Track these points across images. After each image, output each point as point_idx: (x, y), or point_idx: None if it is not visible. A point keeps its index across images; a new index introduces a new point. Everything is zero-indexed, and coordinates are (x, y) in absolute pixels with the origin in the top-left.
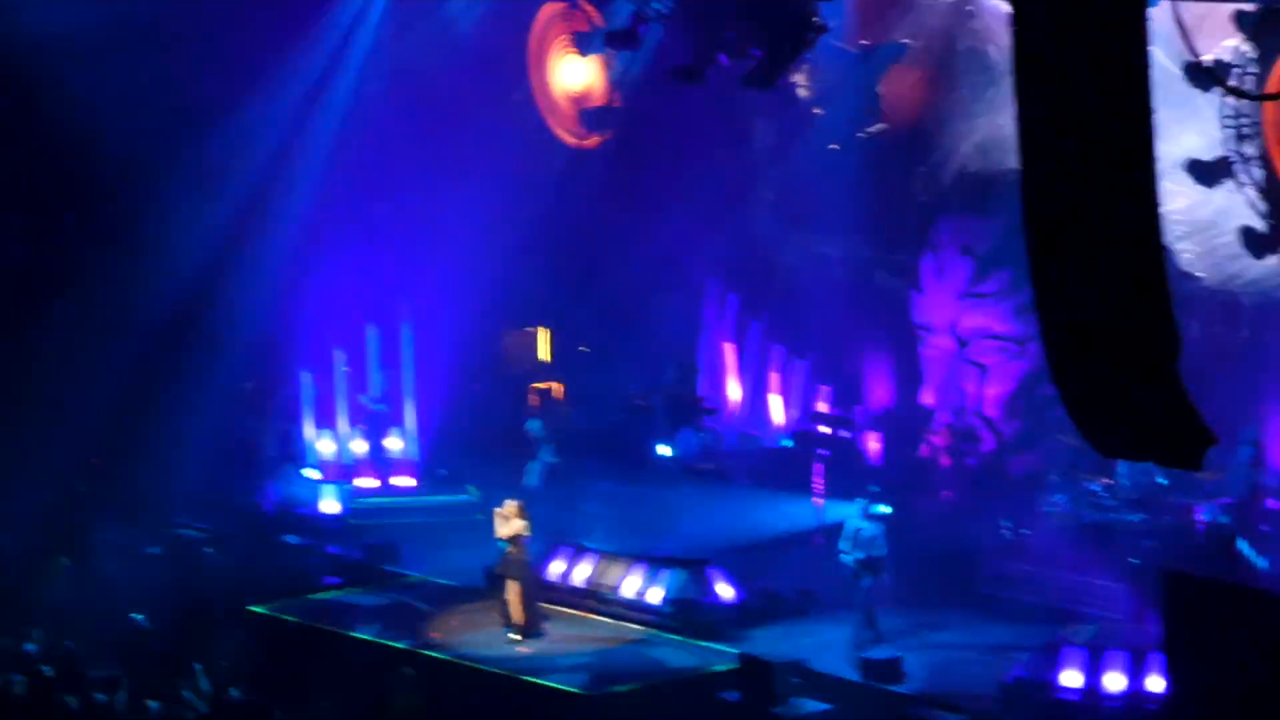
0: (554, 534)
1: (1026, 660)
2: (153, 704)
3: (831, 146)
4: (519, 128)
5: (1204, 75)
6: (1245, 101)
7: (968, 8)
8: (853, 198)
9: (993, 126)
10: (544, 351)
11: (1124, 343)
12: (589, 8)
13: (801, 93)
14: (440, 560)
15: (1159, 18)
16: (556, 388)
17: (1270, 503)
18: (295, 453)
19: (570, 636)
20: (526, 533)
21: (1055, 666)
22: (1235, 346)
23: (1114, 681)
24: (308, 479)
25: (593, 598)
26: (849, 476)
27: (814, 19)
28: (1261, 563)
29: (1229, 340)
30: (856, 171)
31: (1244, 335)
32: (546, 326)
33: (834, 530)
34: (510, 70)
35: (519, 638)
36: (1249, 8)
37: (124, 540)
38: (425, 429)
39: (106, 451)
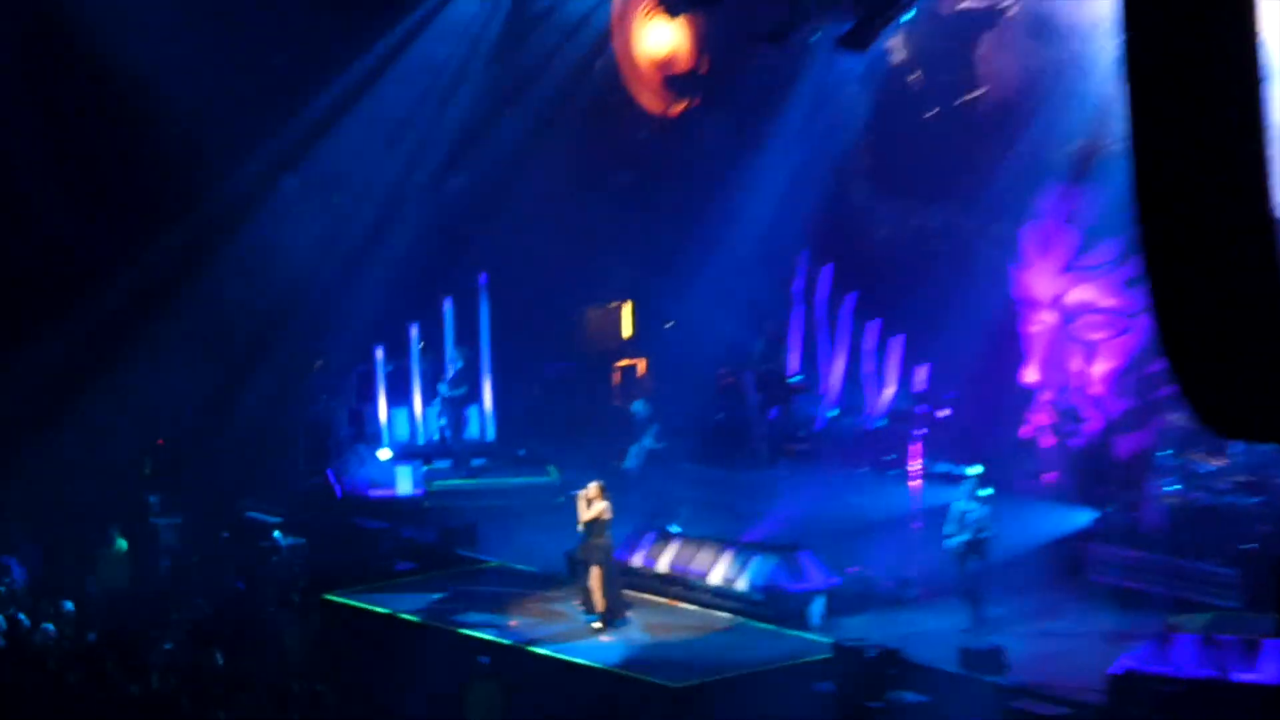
0: (642, 518)
1: (1136, 650)
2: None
3: (928, 114)
4: (601, 95)
5: None
6: None
7: None
8: (951, 167)
9: (1098, 92)
10: (627, 328)
11: (1241, 317)
12: None
13: (897, 57)
14: (519, 545)
15: None
16: (640, 365)
17: None
18: (368, 433)
19: (654, 625)
20: (609, 516)
21: (1166, 657)
22: None
23: (1228, 673)
24: (381, 460)
25: (678, 584)
26: (947, 457)
27: None
28: None
29: None
30: (954, 140)
31: None
32: (630, 301)
33: (931, 513)
34: (592, 35)
35: (600, 626)
36: None
37: (190, 524)
38: (503, 407)
39: (173, 432)
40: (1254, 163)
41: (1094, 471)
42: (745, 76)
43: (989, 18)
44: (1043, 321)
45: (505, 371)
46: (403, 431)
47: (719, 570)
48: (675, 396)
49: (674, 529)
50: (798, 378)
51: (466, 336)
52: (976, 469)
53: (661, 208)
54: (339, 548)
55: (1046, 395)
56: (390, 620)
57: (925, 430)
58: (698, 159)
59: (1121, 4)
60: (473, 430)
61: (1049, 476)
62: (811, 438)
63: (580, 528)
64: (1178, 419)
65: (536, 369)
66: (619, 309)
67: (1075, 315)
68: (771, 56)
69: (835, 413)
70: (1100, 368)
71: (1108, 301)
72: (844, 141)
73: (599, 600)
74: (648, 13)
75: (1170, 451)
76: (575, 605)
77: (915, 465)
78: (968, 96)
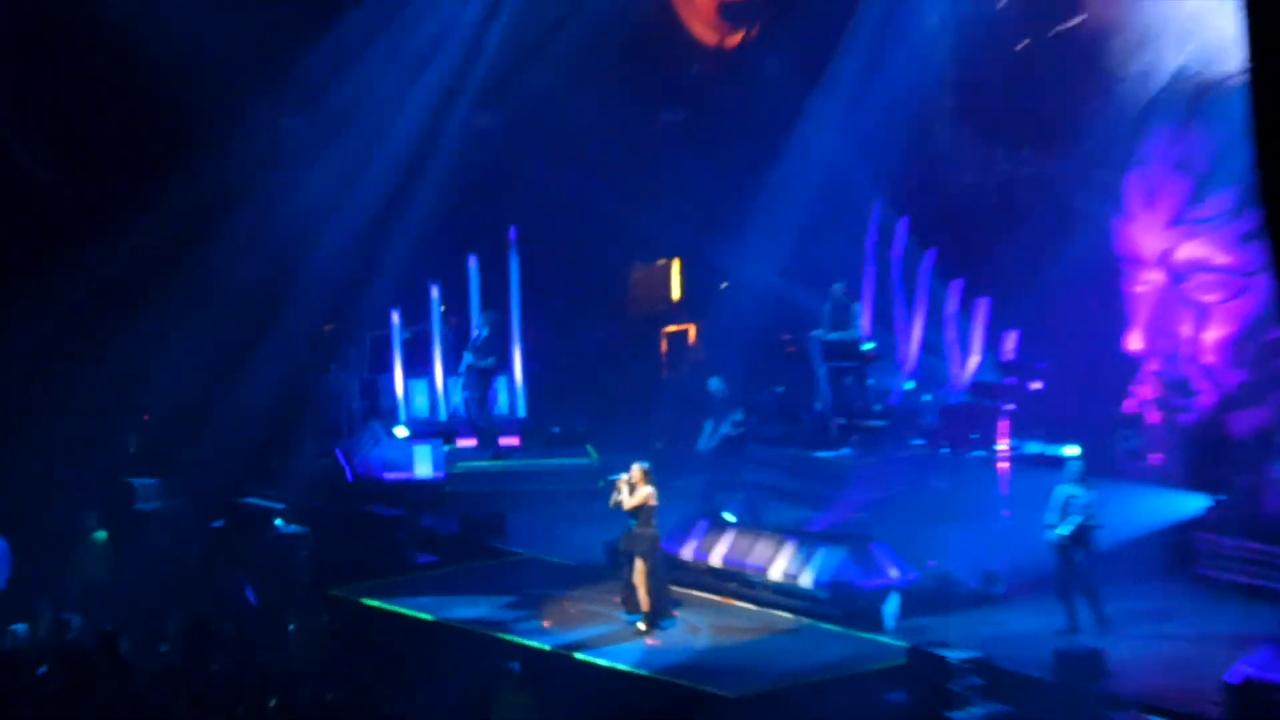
0: (693, 504)
1: (1255, 655)
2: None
3: (1019, 45)
4: (649, 26)
5: None
6: None
7: None
8: (1044, 106)
9: (1213, 24)
10: (676, 288)
11: None
12: None
13: None
14: (553, 535)
15: None
16: (691, 331)
17: None
18: (383, 408)
19: (706, 626)
20: (654, 503)
21: None
22: None
23: None
24: (397, 439)
25: (734, 580)
26: (1039, 436)
27: None
28: None
29: None
30: (1048, 75)
31: None
32: (679, 259)
33: (1021, 499)
34: None
35: (645, 627)
36: None
37: (181, 511)
38: (536, 379)
39: (163, 407)
40: None
41: (1207, 452)
42: (810, 4)
43: None
44: (1149, 281)
45: (538, 339)
46: (422, 406)
47: (780, 564)
48: (730, 366)
49: (729, 517)
50: (870, 345)
51: (494, 299)
52: (1073, 449)
53: (716, 153)
54: (349, 538)
55: (1153, 365)
56: (407, 620)
57: (1014, 405)
58: (756, 98)
59: None
60: (501, 405)
61: (1155, 458)
62: (885, 413)
63: (624, 516)
64: None
65: (573, 336)
66: (667, 267)
67: (1185, 274)
68: None
69: (912, 385)
70: (1213, 334)
71: (1222, 259)
72: (923, 78)
73: (643, 598)
74: None
75: None
76: (616, 604)
77: (1003, 445)
78: (1064, 25)
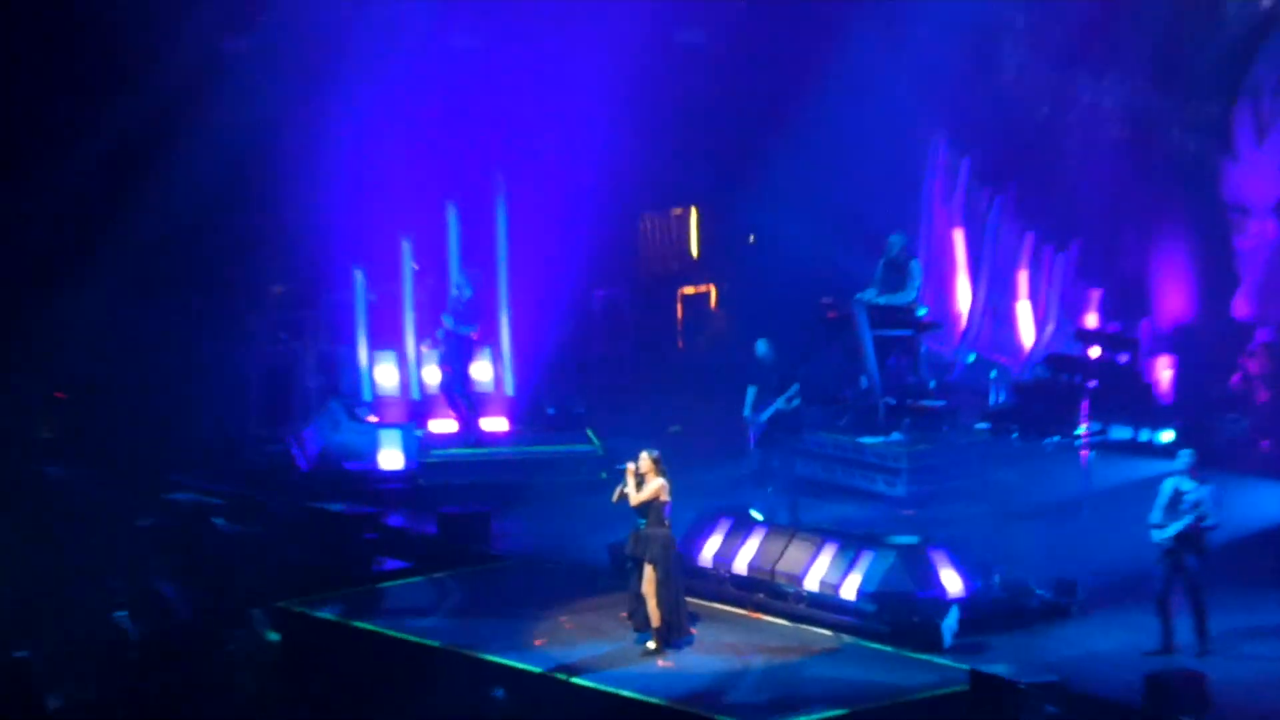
0: (715, 497)
1: None
2: None
3: None
4: None
5: None
6: None
7: None
8: (1139, 28)
9: None
10: (694, 244)
11: None
12: None
13: None
14: (547, 536)
15: None
16: (712, 293)
17: None
18: (343, 384)
19: (729, 645)
20: (666, 497)
21: None
22: None
23: None
24: (361, 422)
25: (762, 590)
26: (1127, 418)
27: None
28: None
29: None
30: None
31: None
32: (696, 208)
33: (1105, 494)
34: None
35: (656, 646)
36: None
37: (104, 508)
38: (527, 352)
39: (82, 384)
40: None
41: None
42: None
43: None
44: (1259, 234)
45: (529, 303)
46: (390, 383)
47: (817, 571)
48: (757, 335)
49: (756, 514)
50: (925, 310)
51: (477, 256)
52: (1168, 434)
53: (742, 80)
54: (302, 540)
55: (1264, 334)
56: (371, 638)
57: (1097, 381)
58: (792, 16)
59: None
60: (485, 382)
61: (1265, 444)
62: (944, 390)
63: (631, 514)
64: None
65: (572, 299)
66: (683, 218)
67: None
68: None
69: (974, 357)
70: None
71: None
72: None
73: (654, 611)
74: None
75: None
76: (622, 618)
77: (1084, 429)
78: None
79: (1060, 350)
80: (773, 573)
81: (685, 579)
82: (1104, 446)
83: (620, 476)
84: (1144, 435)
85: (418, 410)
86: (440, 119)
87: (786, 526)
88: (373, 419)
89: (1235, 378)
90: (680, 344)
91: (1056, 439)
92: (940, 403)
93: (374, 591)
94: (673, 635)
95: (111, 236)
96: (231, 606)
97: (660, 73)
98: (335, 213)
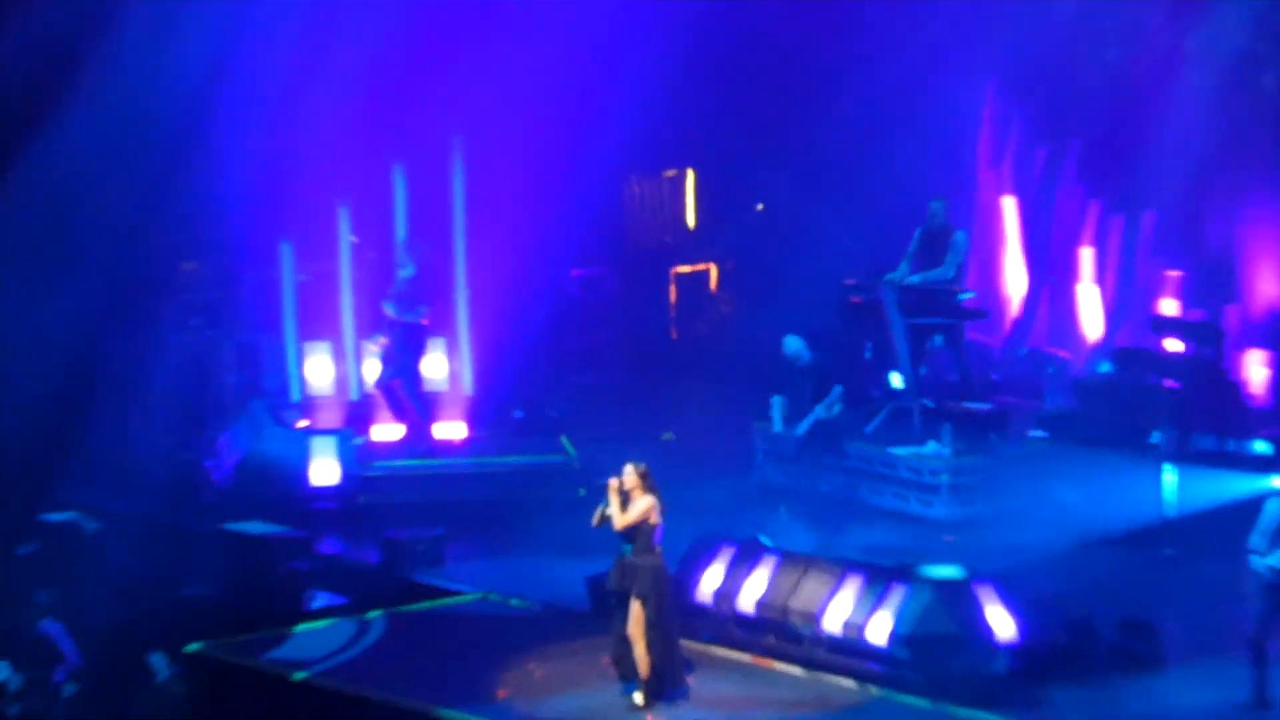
0: (720, 520)
1: None
2: None
3: None
4: None
5: None
6: None
7: None
8: None
9: None
10: (691, 214)
11: None
12: None
13: None
14: (513, 566)
15: None
16: (711, 272)
17: None
18: (267, 382)
19: (733, 699)
20: (657, 519)
21: None
22: None
23: None
24: (288, 427)
25: (773, 632)
26: (1214, 425)
27: None
28: None
29: None
30: None
31: None
32: (693, 171)
33: (1187, 519)
34: None
35: (644, 700)
36: None
37: None
38: (489, 344)
39: None
40: None
41: None
42: None
43: None
44: None
45: (492, 285)
46: (324, 380)
47: (839, 609)
48: (766, 323)
49: (765, 540)
50: (970, 294)
51: (429, 228)
52: (1262, 445)
53: (751, 14)
54: (217, 570)
55: None
56: (299, 689)
57: (1179, 381)
58: None
59: None
60: (439, 379)
61: None
62: (992, 391)
63: (618, 530)
64: None
65: (543, 281)
66: (678, 182)
67: None
68: None
69: (1029, 351)
70: None
71: None
72: None
73: (642, 657)
74: None
75: None
76: (605, 665)
77: (1161, 437)
78: None
79: (1132, 343)
80: (785, 611)
81: (680, 618)
82: (1186, 458)
83: (601, 494)
84: (1233, 445)
85: (357, 414)
86: (385, 64)
87: (803, 556)
88: (303, 424)
89: None
90: (674, 334)
91: (1129, 450)
92: (987, 405)
93: (303, 633)
94: (664, 686)
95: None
96: (129, 651)
97: (650, 7)
98: (258, 176)
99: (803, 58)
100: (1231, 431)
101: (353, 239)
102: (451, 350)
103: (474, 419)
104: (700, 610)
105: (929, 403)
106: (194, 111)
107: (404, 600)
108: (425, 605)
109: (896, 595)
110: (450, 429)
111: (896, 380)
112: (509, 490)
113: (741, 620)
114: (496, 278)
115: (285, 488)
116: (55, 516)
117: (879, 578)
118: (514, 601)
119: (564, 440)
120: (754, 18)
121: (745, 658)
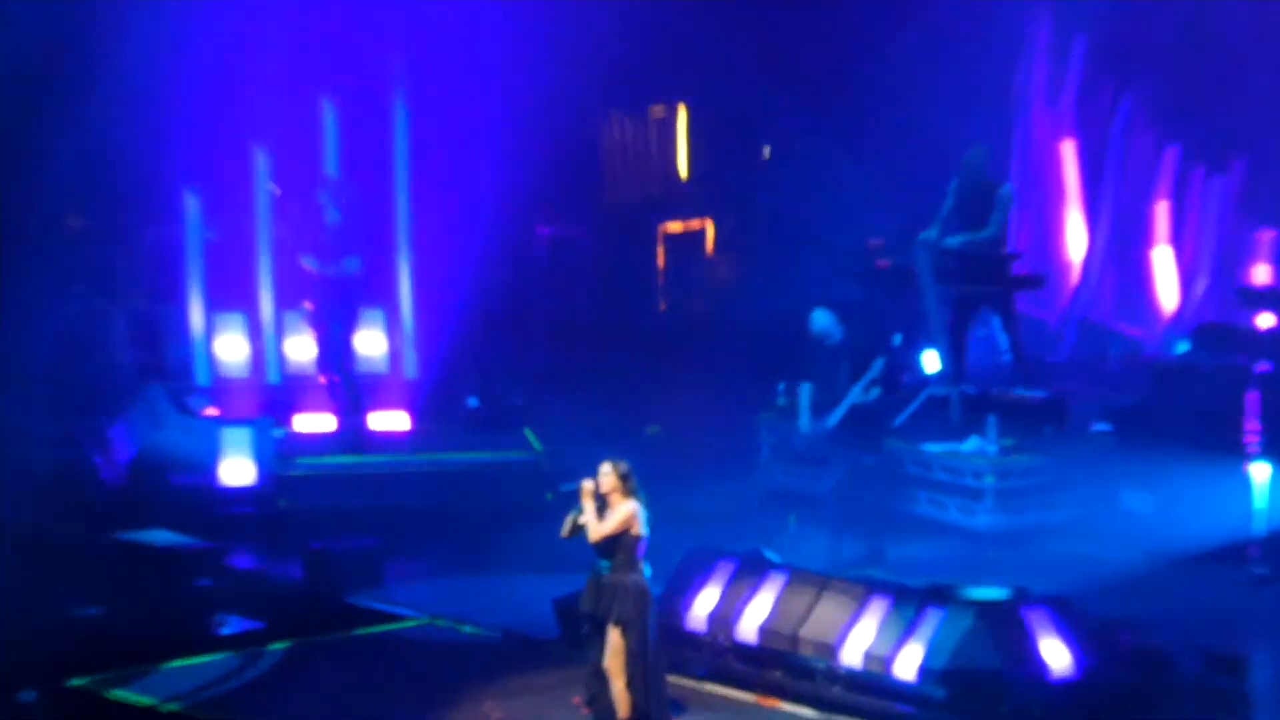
0: (716, 531)
1: None
2: None
3: None
4: None
5: None
6: None
7: None
8: None
9: None
10: (683, 160)
11: None
12: None
13: None
14: (466, 586)
15: None
16: (707, 229)
17: None
18: (168, 362)
19: None
20: (639, 530)
21: None
22: None
23: None
24: (193, 416)
25: (781, 665)
26: None
27: None
28: None
29: None
30: None
31: None
32: (685, 106)
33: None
34: None
35: None
36: None
37: None
38: (437, 317)
39: None
40: None
41: None
42: None
43: None
44: None
45: (441, 245)
46: (237, 359)
47: (860, 638)
48: (773, 294)
49: (771, 555)
50: (1018, 257)
51: (362, 171)
52: None
53: None
54: (106, 588)
55: None
56: None
57: (1271, 364)
58: None
59: None
60: (377, 359)
61: None
62: (1047, 374)
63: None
64: None
65: (504, 240)
66: (668, 122)
67: None
68: None
69: (1091, 326)
70: None
71: None
72: None
73: (621, 696)
74: None
75: None
76: (576, 705)
77: (1253, 434)
78: None
79: (1215, 317)
80: (795, 640)
81: (668, 648)
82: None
83: (573, 499)
84: None
85: (277, 400)
86: None
87: (817, 573)
88: (211, 412)
89: None
90: (661, 305)
91: (1211, 448)
92: (1041, 393)
93: (211, 665)
94: None
95: None
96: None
97: None
98: (159, 113)
99: None
100: None
101: (273, 189)
102: (391, 324)
103: (419, 407)
104: (692, 639)
105: (971, 389)
106: (80, 37)
107: (333, 626)
108: (360, 632)
109: (930, 621)
110: (390, 419)
111: (931, 362)
112: (461, 494)
113: (742, 651)
114: (446, 237)
115: (190, 489)
116: None
117: (909, 600)
118: (466, 628)
119: (528, 433)
120: None
121: (746, 696)
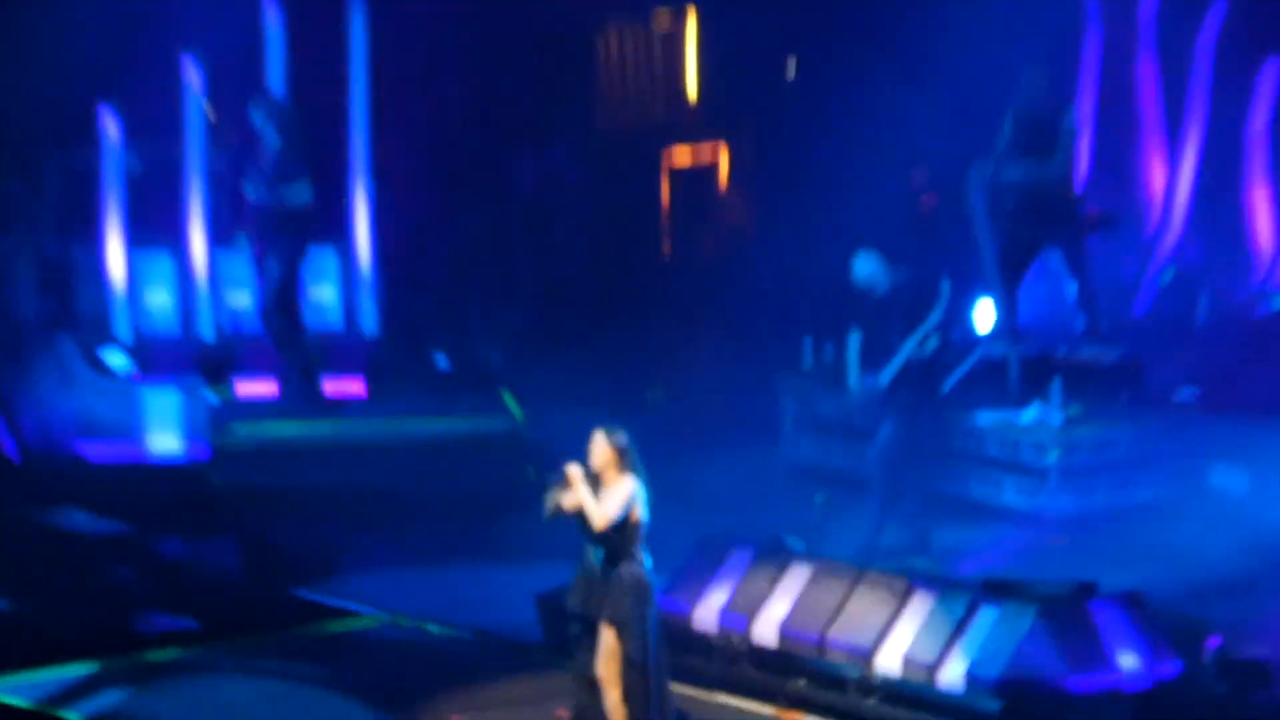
0: (728, 515)
1: None
2: None
3: None
4: None
5: None
6: None
7: None
8: None
9: None
10: (692, 79)
11: None
12: None
13: None
14: (434, 578)
15: None
16: (722, 162)
17: None
18: (82, 313)
19: None
20: (640, 513)
21: None
22: None
23: None
24: (112, 377)
25: (805, 673)
26: None
27: None
28: None
29: None
30: None
31: None
32: (698, 12)
33: None
34: None
35: None
36: None
37: None
38: (400, 263)
39: None
40: None
41: None
42: None
43: None
44: None
45: (405, 177)
46: (164, 306)
47: (899, 641)
48: (797, 236)
49: (794, 543)
50: (1087, 194)
51: (312, 84)
52: None
53: None
54: (14, 580)
55: None
56: None
57: None
58: None
59: None
60: (328, 307)
61: None
62: (1120, 334)
63: (583, 541)
64: None
65: (479, 172)
66: (674, 35)
67: None
68: None
69: (1175, 275)
70: None
71: None
72: None
73: (616, 708)
74: None
75: None
76: (560, 718)
77: None
78: None
79: None
80: (823, 643)
81: (671, 653)
82: None
83: (558, 475)
84: None
85: (212, 358)
86: None
87: (848, 565)
88: (133, 372)
89: None
90: (666, 249)
91: None
92: (1115, 354)
93: (134, 668)
94: None
95: None
96: None
97: None
98: (70, 15)
99: None
100: None
101: (208, 110)
102: (349, 270)
103: (378, 368)
104: (701, 642)
105: (1031, 349)
106: None
107: (277, 624)
108: (308, 633)
109: (981, 622)
110: (345, 382)
111: (985, 317)
112: (428, 469)
113: (759, 656)
114: (411, 167)
115: (107, 462)
116: None
117: (955, 596)
118: (433, 628)
119: (506, 398)
120: None
121: (764, 709)
